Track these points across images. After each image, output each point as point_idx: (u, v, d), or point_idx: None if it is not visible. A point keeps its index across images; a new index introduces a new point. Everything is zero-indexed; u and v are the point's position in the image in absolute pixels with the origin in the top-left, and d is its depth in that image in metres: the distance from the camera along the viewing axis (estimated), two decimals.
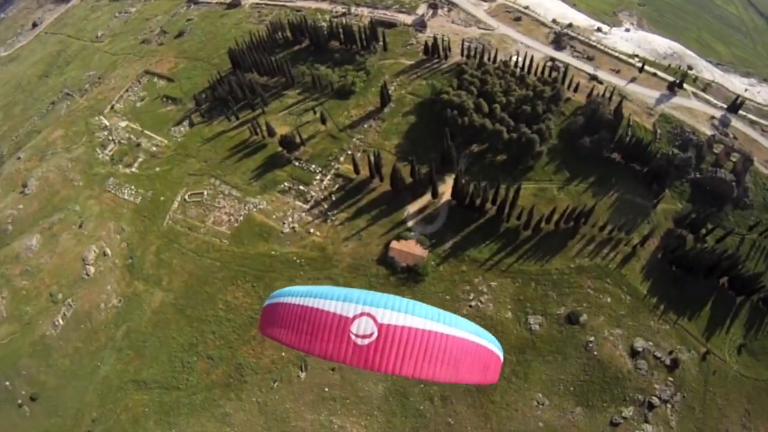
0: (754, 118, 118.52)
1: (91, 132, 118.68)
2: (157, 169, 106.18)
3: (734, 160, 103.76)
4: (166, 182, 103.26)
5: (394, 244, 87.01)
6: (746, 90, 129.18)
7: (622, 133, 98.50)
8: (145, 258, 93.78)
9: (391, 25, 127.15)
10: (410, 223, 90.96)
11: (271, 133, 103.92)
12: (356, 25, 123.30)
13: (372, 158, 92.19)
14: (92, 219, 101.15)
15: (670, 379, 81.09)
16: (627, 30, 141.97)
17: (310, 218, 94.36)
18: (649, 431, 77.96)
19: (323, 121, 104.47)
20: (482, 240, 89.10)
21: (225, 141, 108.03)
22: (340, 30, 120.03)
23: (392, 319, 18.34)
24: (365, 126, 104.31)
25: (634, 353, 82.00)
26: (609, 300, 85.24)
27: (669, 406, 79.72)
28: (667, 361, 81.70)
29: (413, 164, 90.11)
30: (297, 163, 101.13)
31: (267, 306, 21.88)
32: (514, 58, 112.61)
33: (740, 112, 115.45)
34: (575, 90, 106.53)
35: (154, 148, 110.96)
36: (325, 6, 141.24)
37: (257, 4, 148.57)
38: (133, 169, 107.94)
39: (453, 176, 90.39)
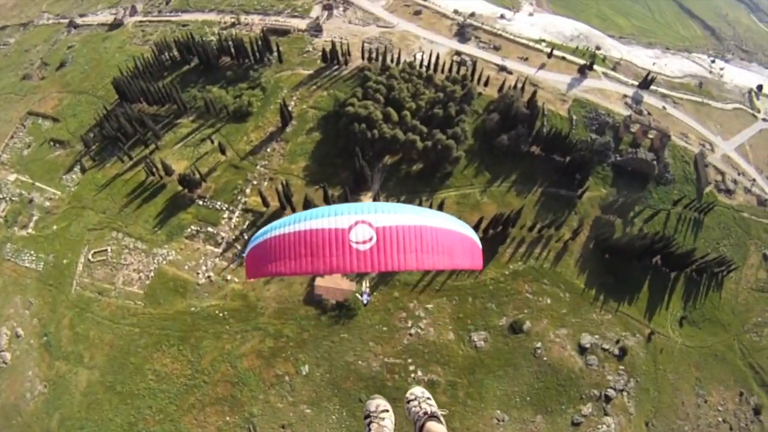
0: (665, 91, 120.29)
1: None
2: (54, 227, 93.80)
3: (651, 137, 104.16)
4: (66, 242, 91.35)
5: (318, 281, 79.81)
6: (654, 63, 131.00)
7: (540, 127, 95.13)
8: (60, 333, 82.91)
9: (284, 32, 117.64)
10: None
11: (169, 171, 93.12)
12: (247, 37, 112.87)
13: (280, 188, 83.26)
14: None
15: (621, 367, 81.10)
16: (531, 14, 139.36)
17: (225, 263, 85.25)
18: (610, 423, 77.44)
19: (222, 150, 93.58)
20: None
21: (121, 186, 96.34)
22: (230, 44, 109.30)
23: (386, 221, 19.47)
24: (268, 150, 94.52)
25: (582, 350, 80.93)
26: (549, 301, 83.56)
27: (625, 394, 79.88)
28: (616, 351, 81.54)
29: (325, 190, 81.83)
30: (201, 202, 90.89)
31: (252, 249, 21.61)
32: (419, 57, 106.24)
33: (651, 87, 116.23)
34: (485, 84, 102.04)
35: (48, 203, 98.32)
36: (212, 17, 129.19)
37: (141, 22, 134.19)
38: (30, 231, 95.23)
39: (369, 194, 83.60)
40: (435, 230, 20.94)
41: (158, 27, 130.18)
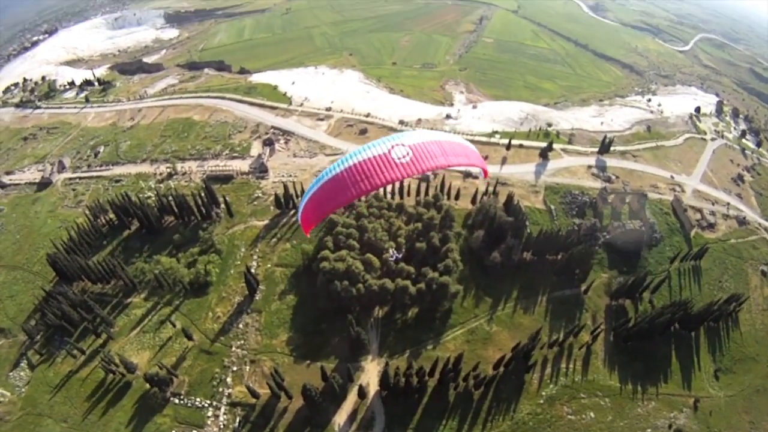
0: (622, 148, 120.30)
1: None
2: None
3: (628, 201, 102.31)
4: None
5: None
6: (602, 123, 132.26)
7: (529, 234, 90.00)
8: None
9: (227, 178, 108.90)
10: None
11: (130, 368, 78.81)
12: (188, 189, 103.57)
13: (269, 373, 71.72)
14: None
15: None
16: (474, 107, 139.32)
17: None
18: None
19: (188, 335, 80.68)
20: (437, 420, 71.49)
21: (78, 386, 79.96)
22: (171, 200, 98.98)
23: (417, 140, 29.53)
24: (240, 326, 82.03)
25: None
26: (592, 415, 76.42)
27: None
28: None
29: (323, 370, 70.92)
30: (177, 401, 75.80)
31: (308, 201, 30.51)
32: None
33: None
34: (456, 198, 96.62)
35: None
36: (146, 169, 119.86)
37: (70, 179, 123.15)
38: None
39: (369, 357, 73.57)
40: (452, 143, 32.08)
41: (89, 184, 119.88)
